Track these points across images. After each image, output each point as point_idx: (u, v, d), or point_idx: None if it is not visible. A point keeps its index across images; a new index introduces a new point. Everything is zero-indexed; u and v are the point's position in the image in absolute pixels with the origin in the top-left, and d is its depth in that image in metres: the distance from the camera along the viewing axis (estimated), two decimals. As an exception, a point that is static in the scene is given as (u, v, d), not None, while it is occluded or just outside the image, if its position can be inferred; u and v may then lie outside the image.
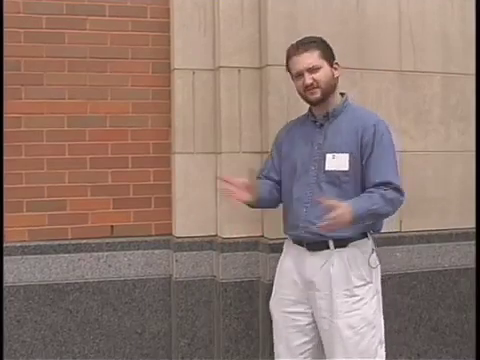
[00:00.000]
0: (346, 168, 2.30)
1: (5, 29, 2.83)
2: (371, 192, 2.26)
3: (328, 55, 2.37)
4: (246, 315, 2.95)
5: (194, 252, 2.98)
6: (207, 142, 3.01)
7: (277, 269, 2.56)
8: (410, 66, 3.09)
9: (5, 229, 2.82)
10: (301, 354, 2.42)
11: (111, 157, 3.02)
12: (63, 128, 2.96)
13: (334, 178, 2.32)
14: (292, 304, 2.42)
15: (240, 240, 2.94)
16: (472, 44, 3.11)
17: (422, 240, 3.09)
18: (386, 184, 2.25)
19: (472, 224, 3.01)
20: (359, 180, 2.32)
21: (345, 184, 2.31)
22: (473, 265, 2.97)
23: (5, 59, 2.82)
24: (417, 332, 3.10)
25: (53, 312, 2.92)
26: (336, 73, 2.38)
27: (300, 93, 2.42)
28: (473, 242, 2.93)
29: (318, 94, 2.34)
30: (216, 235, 3.02)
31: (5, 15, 2.81)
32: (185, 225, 3.00)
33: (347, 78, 2.95)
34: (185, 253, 2.97)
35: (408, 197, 3.05)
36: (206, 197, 3.02)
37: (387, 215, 2.31)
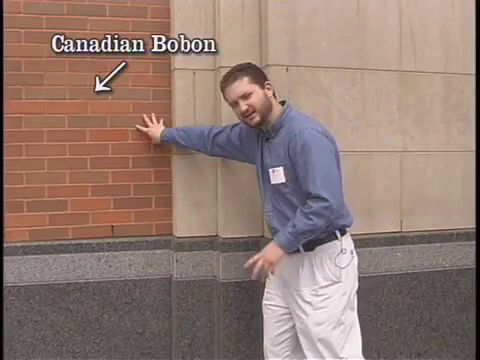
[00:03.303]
0: (284, 180, 2.43)
1: (5, 29, 2.83)
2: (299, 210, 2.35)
3: (258, 78, 2.45)
4: (247, 315, 2.96)
5: (195, 252, 2.98)
6: (207, 142, 3.00)
7: None
8: (410, 66, 3.09)
9: (6, 229, 2.83)
10: (280, 343, 2.57)
11: (112, 157, 3.02)
12: (64, 128, 2.96)
13: (279, 190, 2.46)
14: (271, 298, 2.59)
15: (241, 240, 2.94)
16: (472, 44, 3.11)
17: (423, 240, 3.10)
18: (308, 195, 2.33)
19: (473, 224, 3.01)
20: (299, 189, 2.39)
21: (288, 195, 2.44)
22: (474, 265, 2.97)
23: (5, 59, 2.82)
24: (417, 332, 3.10)
25: (54, 312, 2.92)
26: (269, 93, 2.46)
27: (241, 120, 2.52)
28: (474, 242, 2.93)
29: (257, 118, 2.44)
30: (217, 235, 3.02)
31: (5, 15, 2.81)
32: (186, 225, 3.00)
33: (347, 78, 2.96)
34: (186, 253, 2.97)
35: (408, 197, 3.09)
36: (206, 197, 3.02)
37: (316, 228, 2.32)
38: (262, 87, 2.44)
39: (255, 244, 2.94)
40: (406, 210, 3.08)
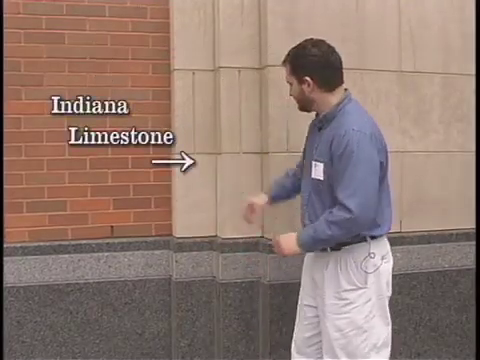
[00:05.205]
0: (321, 178, 2.30)
1: (5, 29, 2.84)
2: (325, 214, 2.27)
3: (297, 72, 2.33)
4: (246, 315, 2.96)
5: (194, 252, 2.98)
6: (207, 142, 3.01)
7: None
8: (410, 66, 3.09)
9: (5, 230, 2.83)
10: (312, 345, 2.48)
11: (111, 158, 3.02)
12: (63, 128, 2.96)
13: (316, 186, 2.33)
14: (305, 297, 2.50)
15: (240, 240, 2.94)
16: (472, 44, 3.11)
17: (422, 240, 3.09)
18: (336, 201, 2.22)
19: (472, 224, 3.01)
20: (333, 190, 2.29)
21: (322, 193, 2.31)
22: (473, 265, 2.97)
23: (5, 59, 2.83)
24: (417, 332, 3.10)
25: (53, 313, 2.92)
26: (307, 89, 2.31)
27: None
28: (473, 242, 2.93)
29: (298, 105, 2.41)
30: (216, 235, 3.02)
31: (5, 15, 2.82)
32: (185, 225, 3.00)
33: (347, 78, 2.95)
34: (185, 254, 2.97)
35: (408, 197, 3.09)
36: (206, 197, 3.02)
37: (333, 239, 2.23)
38: (300, 82, 2.31)
39: (255, 244, 2.94)
40: (406, 210, 3.07)
